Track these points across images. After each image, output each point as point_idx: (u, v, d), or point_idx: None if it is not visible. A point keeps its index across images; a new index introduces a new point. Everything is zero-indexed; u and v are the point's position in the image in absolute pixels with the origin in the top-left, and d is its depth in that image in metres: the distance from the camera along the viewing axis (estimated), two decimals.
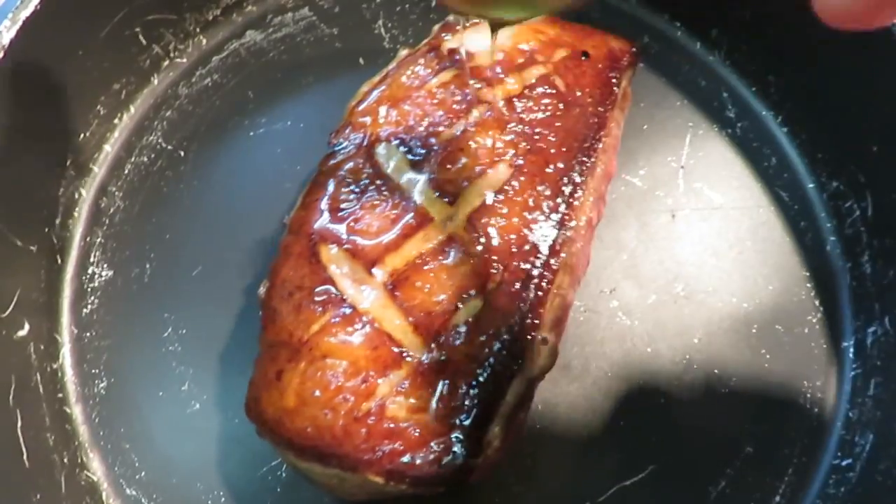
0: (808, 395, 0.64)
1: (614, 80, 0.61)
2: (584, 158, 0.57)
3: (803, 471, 0.61)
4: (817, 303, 0.67)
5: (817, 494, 0.60)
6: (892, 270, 0.63)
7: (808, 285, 0.67)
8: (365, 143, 0.58)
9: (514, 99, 0.59)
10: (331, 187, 0.57)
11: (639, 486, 0.60)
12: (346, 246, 0.55)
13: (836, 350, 0.65)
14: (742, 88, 0.74)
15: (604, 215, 0.68)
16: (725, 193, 0.70)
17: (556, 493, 0.60)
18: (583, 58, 0.62)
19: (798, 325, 0.66)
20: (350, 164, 0.57)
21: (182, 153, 0.70)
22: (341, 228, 0.55)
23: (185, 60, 0.73)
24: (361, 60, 0.74)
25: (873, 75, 0.63)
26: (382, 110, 0.59)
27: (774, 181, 0.71)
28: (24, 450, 0.54)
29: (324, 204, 0.56)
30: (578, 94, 0.60)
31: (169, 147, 0.70)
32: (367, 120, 0.59)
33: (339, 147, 0.58)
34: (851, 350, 0.65)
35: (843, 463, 0.61)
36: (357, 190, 0.56)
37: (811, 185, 0.70)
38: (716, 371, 0.64)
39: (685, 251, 0.68)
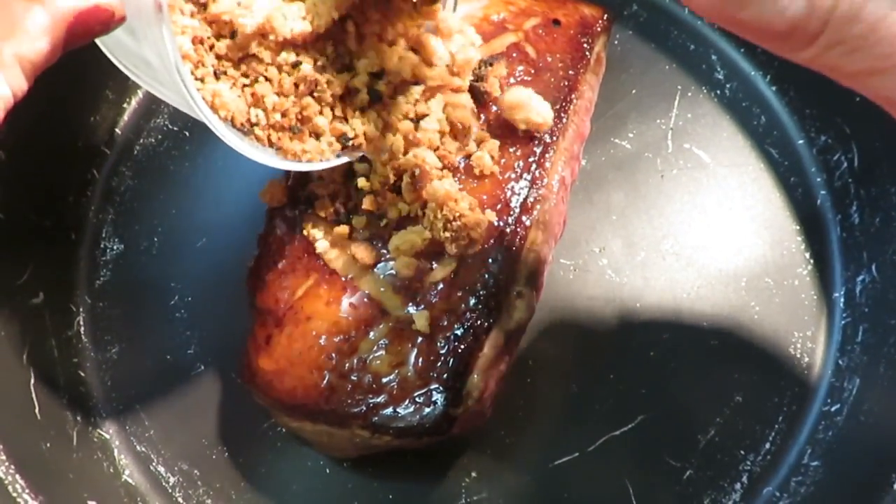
0: (799, 345, 0.64)
1: (586, 45, 0.63)
2: (556, 120, 0.59)
3: (793, 418, 0.62)
4: (807, 255, 0.67)
5: (806, 440, 0.61)
6: (877, 218, 0.64)
7: (799, 238, 0.68)
8: None
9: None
10: None
11: (628, 436, 0.62)
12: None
13: (827, 300, 0.66)
14: (730, 50, 0.75)
15: (593, 177, 0.70)
16: (714, 153, 0.71)
17: (547, 443, 0.62)
18: (554, 25, 0.63)
19: (788, 277, 0.67)
20: None
21: (187, 133, 0.73)
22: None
23: None
24: None
25: None
26: None
27: (764, 139, 0.72)
28: (36, 404, 0.58)
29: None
30: (549, 59, 0.62)
31: (175, 128, 0.74)
32: None
33: None
34: (842, 300, 0.65)
35: (832, 409, 0.61)
36: None
37: (800, 141, 0.71)
38: (705, 324, 0.65)
39: (674, 209, 0.69)
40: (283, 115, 0.50)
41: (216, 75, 0.48)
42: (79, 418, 0.62)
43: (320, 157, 0.53)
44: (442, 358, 0.53)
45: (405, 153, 0.54)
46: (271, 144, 0.51)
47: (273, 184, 0.60)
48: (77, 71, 0.69)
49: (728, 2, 0.35)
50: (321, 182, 0.58)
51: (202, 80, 0.47)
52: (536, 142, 0.58)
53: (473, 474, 0.61)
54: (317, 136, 0.52)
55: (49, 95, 0.67)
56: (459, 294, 0.55)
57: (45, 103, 0.66)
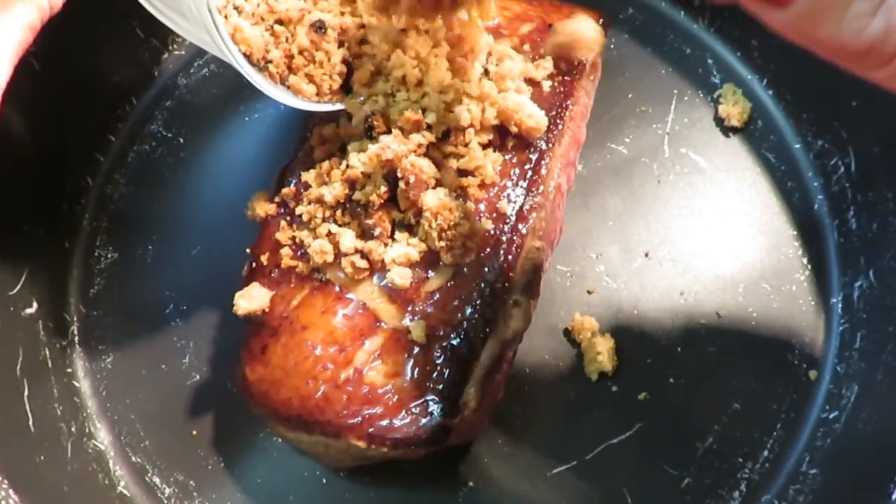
0: (797, 352, 0.64)
1: None
2: (551, 126, 0.58)
3: (791, 425, 0.62)
4: (805, 261, 0.67)
5: (805, 447, 0.61)
6: (875, 223, 0.64)
7: (796, 244, 0.68)
8: None
9: None
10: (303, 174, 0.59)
11: (626, 444, 0.61)
12: None
13: (825, 306, 0.65)
14: (727, 54, 0.75)
15: (589, 183, 0.70)
16: (711, 158, 0.71)
17: (544, 452, 0.61)
18: (549, 30, 0.63)
19: (786, 283, 0.66)
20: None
21: (181, 140, 0.73)
22: None
23: (183, 52, 0.77)
24: None
25: None
26: None
27: (761, 144, 0.71)
28: (29, 416, 0.57)
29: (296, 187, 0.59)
30: None
31: (169, 135, 0.73)
32: None
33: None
34: (839, 306, 0.65)
35: (831, 416, 0.61)
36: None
37: (797, 146, 0.71)
38: (702, 331, 0.65)
39: (671, 215, 0.69)
40: (299, 53, 0.54)
41: (238, 10, 0.52)
42: (73, 429, 0.62)
43: (330, 97, 0.56)
44: (438, 368, 0.53)
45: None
46: (283, 82, 0.54)
47: (258, 198, 0.60)
48: (70, 78, 0.69)
49: (804, 21, 0.34)
50: (315, 191, 0.57)
51: (226, 17, 0.51)
52: (532, 149, 0.58)
53: (470, 483, 0.60)
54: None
55: (42, 103, 0.66)
56: (455, 304, 0.54)
57: (37, 110, 0.66)
